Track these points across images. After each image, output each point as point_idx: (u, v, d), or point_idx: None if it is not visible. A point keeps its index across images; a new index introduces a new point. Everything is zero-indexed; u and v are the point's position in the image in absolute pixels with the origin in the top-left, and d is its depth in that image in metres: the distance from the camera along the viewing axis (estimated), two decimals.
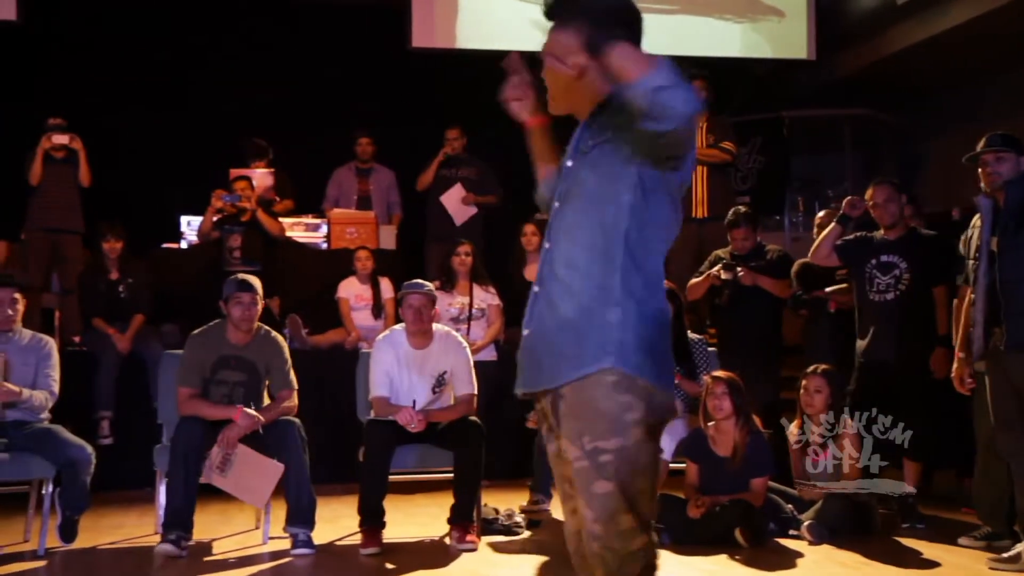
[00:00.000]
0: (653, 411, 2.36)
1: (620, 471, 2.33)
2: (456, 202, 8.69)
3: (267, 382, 5.38)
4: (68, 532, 5.24)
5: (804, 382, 5.64)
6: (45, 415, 5.39)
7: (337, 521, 5.71)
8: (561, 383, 2.39)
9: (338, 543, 5.40)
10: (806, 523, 5.27)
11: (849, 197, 6.03)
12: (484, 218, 8.71)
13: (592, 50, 2.42)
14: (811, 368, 5.69)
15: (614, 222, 2.38)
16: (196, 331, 5.43)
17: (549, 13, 2.52)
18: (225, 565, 4.93)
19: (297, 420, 5.26)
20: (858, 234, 5.99)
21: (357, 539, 5.21)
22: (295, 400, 5.35)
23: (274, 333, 5.49)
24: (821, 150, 10.59)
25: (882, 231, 5.89)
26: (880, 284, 5.80)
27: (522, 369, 2.52)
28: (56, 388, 5.43)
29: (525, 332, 2.51)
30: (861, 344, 5.88)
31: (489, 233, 8.51)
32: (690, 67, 8.44)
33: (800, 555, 4.99)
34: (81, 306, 7.30)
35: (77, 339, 7.53)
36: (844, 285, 6.32)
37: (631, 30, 2.46)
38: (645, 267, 2.39)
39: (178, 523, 4.98)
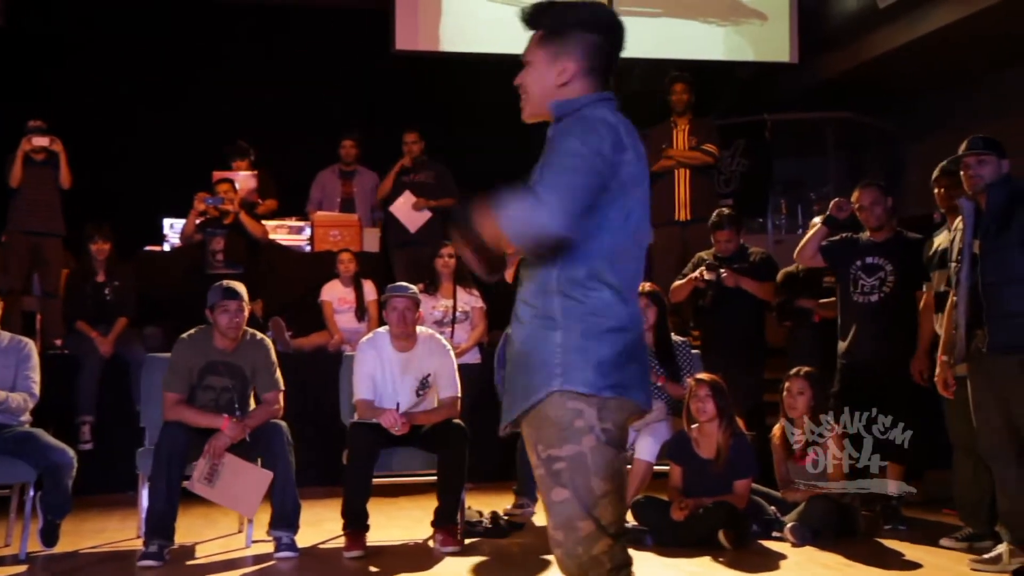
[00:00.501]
0: (607, 415, 2.36)
1: (575, 478, 2.34)
2: (406, 209, 8.63)
3: (254, 386, 5.35)
4: (50, 536, 5.21)
5: (787, 384, 5.66)
6: (26, 418, 5.36)
7: (320, 524, 5.69)
8: (518, 413, 2.43)
9: (321, 546, 5.38)
10: (789, 525, 5.28)
11: (836, 199, 6.04)
12: (443, 222, 8.65)
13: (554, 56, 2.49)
14: (794, 370, 5.71)
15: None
16: (184, 335, 5.38)
17: (527, 22, 2.56)
18: (208, 569, 4.90)
19: (283, 423, 5.24)
20: (844, 235, 6.01)
21: (340, 542, 5.19)
22: (281, 402, 5.33)
23: (260, 335, 5.46)
24: (804, 153, 10.63)
25: (868, 233, 5.92)
26: (864, 286, 5.82)
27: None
28: (36, 390, 5.40)
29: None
30: (842, 345, 5.89)
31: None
32: (672, 70, 8.49)
33: (783, 557, 5.00)
34: (65, 308, 7.28)
35: (59, 342, 7.49)
36: (832, 299, 6.35)
37: (605, 36, 2.50)
38: (587, 291, 2.37)
39: (160, 530, 4.93)
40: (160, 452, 4.99)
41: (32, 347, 5.51)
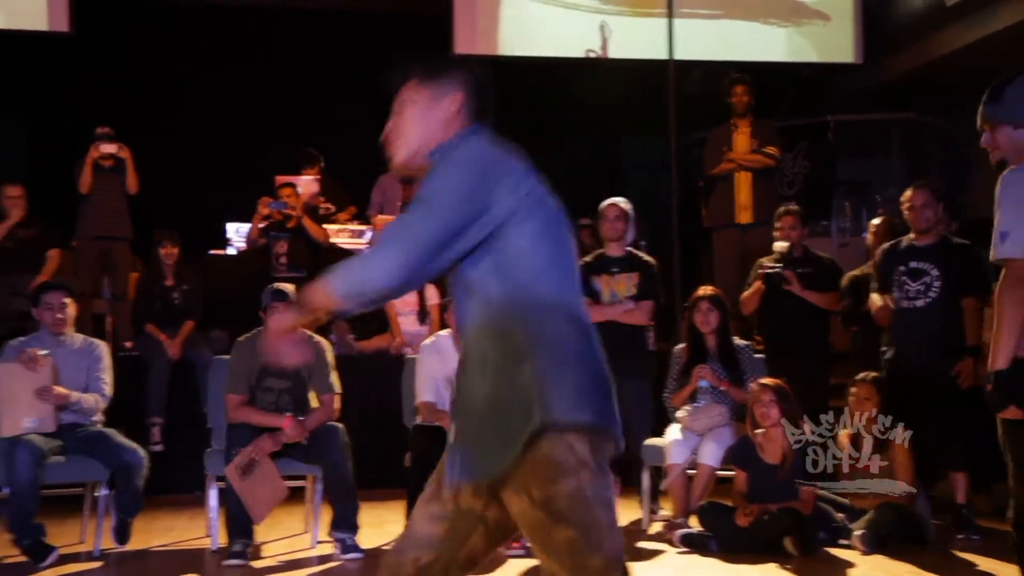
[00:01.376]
0: (596, 440, 2.24)
1: (577, 514, 2.19)
2: None
3: (312, 388, 5.40)
4: (122, 534, 5.32)
5: (853, 389, 5.59)
6: (98, 418, 5.46)
7: (383, 526, 5.73)
8: (508, 462, 2.21)
9: (385, 548, 5.42)
10: (857, 532, 5.22)
11: None
12: None
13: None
14: (860, 376, 5.64)
15: (487, 298, 2.28)
16: (240, 338, 5.47)
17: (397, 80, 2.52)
18: (275, 569, 4.97)
19: (340, 425, 5.29)
20: (884, 247, 5.93)
21: None
22: (337, 404, 5.38)
23: (316, 338, 5.51)
24: (868, 154, 10.49)
25: (912, 235, 5.82)
26: (910, 290, 5.72)
27: (457, 455, 2.33)
28: (108, 391, 5.50)
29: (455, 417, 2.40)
30: (889, 351, 5.80)
31: None
32: (733, 72, 8.39)
33: (851, 565, 4.94)
34: (135, 311, 7.42)
35: (129, 344, 7.61)
36: None
37: (479, 78, 2.46)
38: (543, 318, 2.25)
39: (241, 530, 5.05)
40: (228, 454, 5.06)
41: (104, 349, 5.62)
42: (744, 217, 8.05)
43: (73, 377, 5.41)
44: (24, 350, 5.31)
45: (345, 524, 5.15)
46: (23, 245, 7.54)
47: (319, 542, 5.38)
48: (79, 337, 5.60)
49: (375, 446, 6.44)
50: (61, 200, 7.90)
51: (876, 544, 5.15)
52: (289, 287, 5.40)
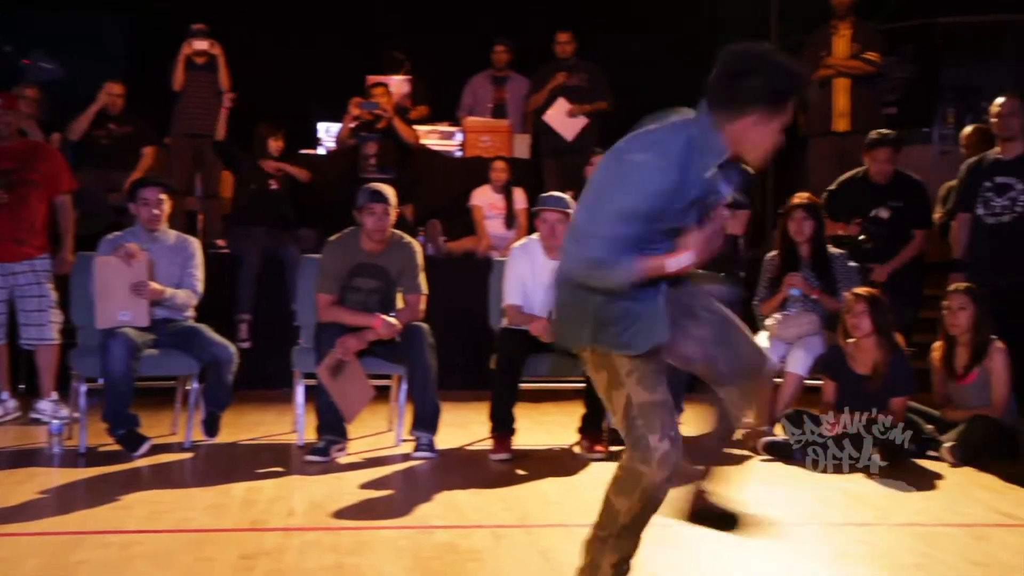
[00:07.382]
0: None
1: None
2: (561, 117, 8.47)
3: (399, 288, 5.42)
4: (211, 427, 5.45)
5: (947, 301, 5.42)
6: (189, 313, 5.56)
7: (467, 427, 5.79)
8: None
9: (468, 448, 5.48)
10: (947, 444, 5.10)
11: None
12: (599, 126, 8.43)
13: None
14: (953, 286, 5.47)
15: None
16: (332, 238, 5.49)
17: None
18: (358, 466, 5.01)
19: (425, 325, 5.31)
20: (969, 162, 5.78)
21: (486, 445, 5.27)
22: (423, 305, 5.39)
23: (407, 238, 5.51)
24: (978, 59, 10.03)
25: (997, 149, 5.65)
26: (996, 207, 5.64)
27: None
28: (199, 287, 5.59)
29: None
30: (972, 270, 5.67)
31: (608, 142, 8.35)
32: None
33: (940, 476, 4.84)
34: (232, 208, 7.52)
35: (221, 242, 7.71)
36: None
37: None
38: None
39: (332, 426, 5.13)
40: (319, 353, 5.13)
41: (196, 246, 5.70)
42: (842, 125, 7.76)
43: (167, 273, 5.49)
44: (120, 245, 5.40)
45: (425, 423, 5.20)
46: (119, 142, 7.67)
47: (403, 440, 5.45)
48: (173, 233, 5.68)
49: (461, 347, 6.46)
50: (158, 98, 7.97)
51: (966, 457, 5.03)
52: (386, 187, 5.40)
